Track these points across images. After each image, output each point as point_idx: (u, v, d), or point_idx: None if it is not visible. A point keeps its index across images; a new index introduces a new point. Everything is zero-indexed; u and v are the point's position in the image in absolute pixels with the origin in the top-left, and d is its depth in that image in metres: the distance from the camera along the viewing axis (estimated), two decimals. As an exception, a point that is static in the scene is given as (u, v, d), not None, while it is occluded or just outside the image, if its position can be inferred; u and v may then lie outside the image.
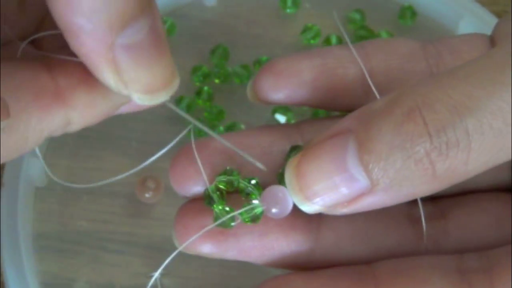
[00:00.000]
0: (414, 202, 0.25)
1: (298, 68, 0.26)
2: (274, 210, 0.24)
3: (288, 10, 0.39)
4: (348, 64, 0.26)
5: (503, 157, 0.21)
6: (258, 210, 0.24)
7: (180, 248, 0.25)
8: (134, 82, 0.23)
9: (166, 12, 0.39)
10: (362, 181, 0.22)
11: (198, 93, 0.37)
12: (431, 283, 0.23)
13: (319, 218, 0.25)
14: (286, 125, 0.27)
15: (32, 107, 0.23)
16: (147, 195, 0.35)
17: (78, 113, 0.24)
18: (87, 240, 0.35)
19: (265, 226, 0.25)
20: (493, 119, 0.21)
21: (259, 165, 0.25)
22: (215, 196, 0.24)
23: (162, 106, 0.37)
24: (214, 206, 0.24)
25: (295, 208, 0.24)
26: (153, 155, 0.36)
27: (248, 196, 0.24)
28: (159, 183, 0.35)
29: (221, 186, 0.24)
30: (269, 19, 0.39)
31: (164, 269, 0.34)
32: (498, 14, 0.38)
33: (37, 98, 0.23)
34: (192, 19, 0.39)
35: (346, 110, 0.27)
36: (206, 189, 0.24)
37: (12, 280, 0.33)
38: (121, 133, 0.37)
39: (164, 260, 0.34)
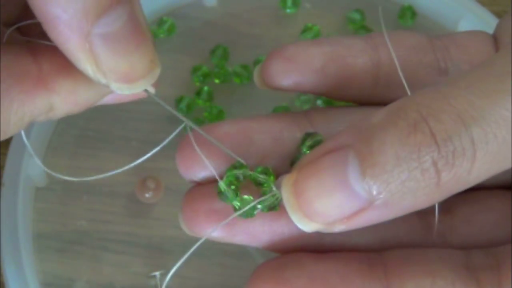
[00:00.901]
0: None
1: (308, 54, 0.26)
2: None
3: (288, 10, 0.39)
4: (358, 54, 0.26)
5: (505, 166, 0.21)
6: (277, 199, 0.23)
7: (204, 237, 0.24)
8: (111, 71, 0.23)
9: (166, 12, 0.39)
10: (364, 196, 0.21)
11: (198, 93, 0.37)
12: (440, 275, 0.23)
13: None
14: (296, 113, 0.27)
15: (14, 90, 0.23)
16: (147, 195, 0.35)
17: (61, 99, 0.24)
18: (87, 240, 0.35)
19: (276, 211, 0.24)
20: (497, 128, 0.21)
21: (241, 161, 0.24)
22: (230, 192, 0.24)
23: (161, 105, 0.37)
24: (232, 202, 0.24)
25: None
26: (153, 154, 0.36)
27: (261, 185, 0.24)
28: (159, 183, 0.35)
29: (232, 181, 0.24)
30: (269, 19, 0.39)
31: (164, 269, 0.34)
32: (498, 14, 0.38)
33: (19, 81, 0.23)
34: (192, 19, 0.39)
35: (354, 100, 0.27)
36: (218, 186, 0.24)
37: (12, 280, 0.33)
38: (121, 133, 0.37)
39: (164, 260, 0.34)
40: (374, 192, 0.21)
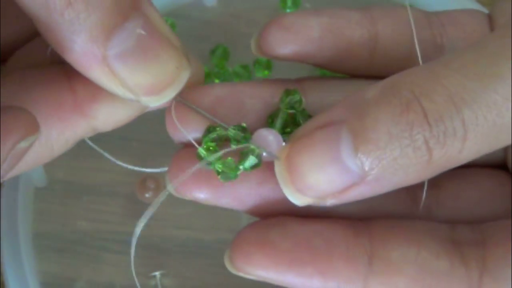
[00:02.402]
0: None
1: (306, 24, 0.26)
2: (265, 154, 0.24)
3: (288, 10, 0.39)
4: (356, 26, 0.26)
5: (495, 146, 0.22)
6: (257, 154, 0.23)
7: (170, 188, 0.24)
8: (138, 87, 0.23)
9: (166, 12, 0.39)
10: (356, 171, 0.22)
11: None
12: (425, 246, 0.23)
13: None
14: (288, 80, 0.27)
15: (52, 119, 0.24)
16: (147, 195, 0.35)
17: (100, 122, 0.24)
18: (87, 240, 0.35)
19: (263, 174, 0.24)
20: (487, 111, 0.21)
21: (216, 120, 0.24)
22: (209, 156, 0.24)
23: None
24: (212, 165, 0.24)
25: None
26: (153, 154, 0.36)
27: (238, 142, 0.24)
28: (159, 183, 0.35)
29: (209, 145, 0.24)
30: (269, 19, 0.39)
31: (164, 269, 0.34)
32: (498, 14, 0.38)
33: (56, 110, 0.24)
34: (192, 19, 0.39)
35: (350, 73, 0.27)
36: (197, 153, 0.24)
37: (12, 280, 0.33)
38: (121, 133, 0.37)
39: (164, 260, 0.34)
40: (366, 168, 0.21)
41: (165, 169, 0.25)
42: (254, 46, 0.26)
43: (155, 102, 0.23)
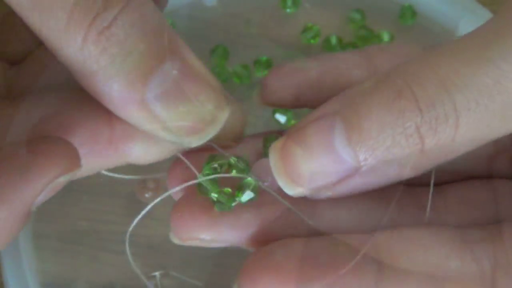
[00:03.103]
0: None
1: (304, 67, 0.26)
2: (266, 183, 0.24)
3: (288, 10, 0.39)
4: (353, 66, 0.27)
5: (488, 134, 0.22)
6: (251, 187, 0.24)
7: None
8: (177, 128, 0.23)
9: (166, 12, 0.38)
10: (349, 161, 0.22)
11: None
12: (433, 248, 0.23)
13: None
14: None
15: (84, 149, 0.24)
16: (147, 195, 0.35)
17: (133, 158, 0.24)
18: (87, 240, 0.35)
19: (261, 198, 0.24)
20: (479, 95, 0.21)
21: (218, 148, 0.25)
22: (208, 184, 0.24)
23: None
24: (210, 193, 0.24)
25: None
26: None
27: (239, 171, 0.24)
28: (158, 183, 0.35)
29: (209, 173, 0.24)
30: (269, 19, 0.39)
31: (164, 269, 0.34)
32: (498, 14, 0.38)
33: (92, 143, 0.24)
34: (192, 19, 0.39)
35: None
36: (198, 184, 0.24)
37: (12, 280, 0.33)
38: (121, 133, 0.37)
39: (164, 260, 0.34)
40: (360, 158, 0.21)
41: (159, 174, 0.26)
42: (256, 97, 0.27)
43: (196, 142, 0.23)
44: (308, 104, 0.27)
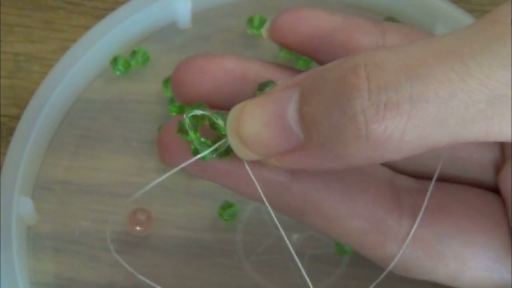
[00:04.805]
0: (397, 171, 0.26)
1: (319, 17, 0.26)
2: None
3: (254, 31, 0.38)
4: (366, 33, 0.26)
5: (442, 137, 0.20)
6: (225, 145, 0.23)
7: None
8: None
9: (142, 39, 0.38)
10: (296, 133, 0.21)
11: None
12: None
13: None
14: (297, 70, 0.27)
15: None
16: (138, 228, 0.34)
17: None
18: (87, 240, 0.35)
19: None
20: (440, 88, 0.20)
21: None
22: (190, 129, 0.24)
23: (161, 105, 0.37)
24: (189, 136, 0.24)
25: None
26: (152, 154, 0.36)
27: (217, 130, 0.24)
28: (149, 215, 0.34)
29: (192, 120, 0.24)
30: (241, 40, 0.39)
31: (164, 269, 0.34)
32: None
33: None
34: (167, 43, 0.38)
35: None
36: (180, 121, 0.24)
37: (4, 280, 0.33)
38: (121, 133, 0.37)
39: (164, 260, 0.34)
40: (307, 132, 0.21)
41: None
42: (266, 31, 0.26)
43: None
44: (312, 54, 0.26)
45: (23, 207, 0.34)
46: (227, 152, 0.24)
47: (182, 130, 0.24)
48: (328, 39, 0.26)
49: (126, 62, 0.37)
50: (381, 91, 0.20)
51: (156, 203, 0.35)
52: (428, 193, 0.25)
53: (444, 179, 0.26)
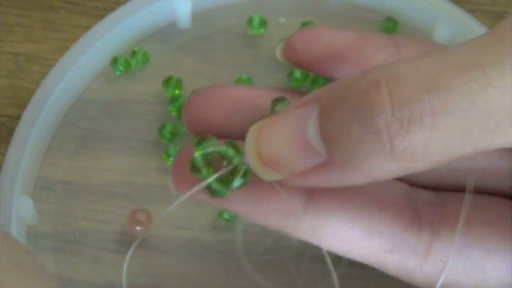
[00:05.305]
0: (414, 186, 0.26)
1: (333, 35, 0.26)
2: None
3: (254, 31, 0.38)
4: (380, 48, 0.26)
5: (466, 146, 0.21)
6: (243, 169, 0.23)
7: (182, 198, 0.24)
8: None
9: (142, 39, 0.38)
10: (318, 151, 0.21)
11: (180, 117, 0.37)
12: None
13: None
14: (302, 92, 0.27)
15: None
16: (138, 228, 0.34)
17: None
18: (87, 240, 0.35)
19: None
20: (462, 99, 0.20)
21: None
22: (202, 165, 0.23)
23: (161, 105, 0.37)
24: (202, 174, 0.23)
25: None
26: (152, 154, 0.36)
27: (229, 161, 0.23)
28: (150, 215, 0.34)
29: (203, 155, 0.24)
30: (239, 40, 0.39)
31: (164, 269, 0.34)
32: (498, 14, 0.38)
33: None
34: (167, 43, 0.38)
35: None
36: (193, 158, 0.24)
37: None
38: (121, 133, 0.37)
39: (164, 260, 0.34)
40: (330, 150, 0.21)
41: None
42: (279, 52, 0.26)
43: None
44: (327, 72, 0.26)
45: (23, 207, 0.34)
46: (247, 181, 0.23)
47: (194, 169, 0.24)
48: (343, 57, 0.26)
49: (126, 62, 0.37)
50: (404, 106, 0.20)
51: (156, 203, 0.35)
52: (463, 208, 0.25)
53: (463, 190, 0.26)
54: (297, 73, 0.37)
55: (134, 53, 0.37)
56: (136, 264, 0.34)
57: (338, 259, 0.34)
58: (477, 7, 0.39)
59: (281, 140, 0.22)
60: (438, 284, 0.24)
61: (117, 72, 0.37)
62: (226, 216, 0.34)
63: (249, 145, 0.22)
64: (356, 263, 0.34)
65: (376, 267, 0.25)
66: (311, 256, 0.34)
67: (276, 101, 0.24)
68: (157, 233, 0.35)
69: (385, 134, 0.20)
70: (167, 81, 0.37)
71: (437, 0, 0.37)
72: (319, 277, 0.34)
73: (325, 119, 0.21)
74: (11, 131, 0.36)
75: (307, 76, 0.37)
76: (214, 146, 0.23)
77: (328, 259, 0.24)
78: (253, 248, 0.34)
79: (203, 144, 0.23)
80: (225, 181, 0.23)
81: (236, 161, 0.23)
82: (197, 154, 0.23)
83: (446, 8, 0.37)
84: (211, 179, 0.23)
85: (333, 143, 0.21)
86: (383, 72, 0.21)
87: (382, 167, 0.21)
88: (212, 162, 0.24)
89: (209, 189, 0.24)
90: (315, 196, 0.25)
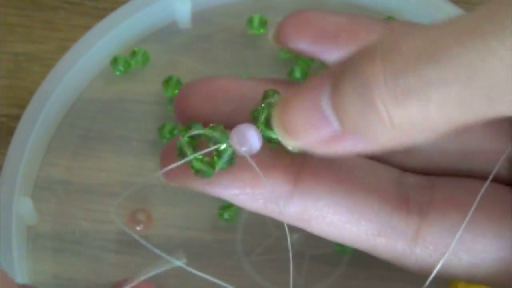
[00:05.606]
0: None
1: (324, 19, 0.26)
2: (243, 148, 0.24)
3: (254, 31, 0.38)
4: (373, 33, 0.26)
5: (471, 116, 0.20)
6: (228, 151, 0.24)
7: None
8: None
9: (142, 39, 0.38)
10: (334, 123, 0.21)
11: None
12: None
13: (301, 162, 0.25)
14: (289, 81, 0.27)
15: None
16: (138, 228, 0.34)
17: None
18: (87, 240, 0.35)
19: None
20: (460, 69, 0.19)
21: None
22: (187, 149, 0.24)
23: (161, 105, 0.37)
24: (187, 156, 0.24)
25: (278, 151, 0.24)
26: (152, 154, 0.36)
27: (216, 144, 0.24)
28: (150, 215, 0.34)
29: (189, 140, 0.24)
30: (241, 39, 0.39)
31: (163, 269, 0.34)
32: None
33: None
34: (167, 43, 0.38)
35: None
36: (178, 142, 0.24)
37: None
38: (121, 133, 0.37)
39: (164, 260, 0.34)
40: (342, 121, 0.21)
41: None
42: (272, 36, 0.27)
43: None
44: (318, 56, 0.26)
45: (23, 207, 0.34)
46: (233, 160, 0.24)
47: (181, 153, 0.24)
48: (334, 40, 0.26)
49: (126, 62, 0.37)
50: (398, 76, 0.19)
51: (156, 203, 0.35)
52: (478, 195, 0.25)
53: (455, 174, 0.26)
54: (297, 73, 0.37)
55: (134, 53, 0.37)
56: (136, 264, 0.34)
57: (338, 259, 0.34)
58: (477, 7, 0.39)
59: (298, 111, 0.22)
60: (434, 272, 0.25)
61: (117, 72, 0.37)
62: (226, 216, 0.34)
63: (275, 117, 0.23)
64: (356, 263, 0.34)
65: (367, 252, 0.26)
66: (311, 256, 0.34)
67: (267, 92, 0.24)
68: (157, 233, 0.35)
69: (381, 106, 0.20)
70: (167, 81, 0.37)
71: (437, 0, 0.37)
72: (319, 277, 0.34)
73: (335, 92, 0.21)
74: (11, 131, 0.36)
75: (307, 76, 0.37)
76: (200, 130, 0.24)
77: (287, 230, 0.25)
78: (253, 248, 0.34)
79: (188, 129, 0.24)
80: (211, 162, 0.24)
81: (221, 142, 0.24)
82: (183, 138, 0.24)
83: (446, 8, 0.37)
84: (193, 156, 0.24)
85: (342, 115, 0.21)
86: (379, 44, 0.20)
87: (387, 137, 0.21)
88: (199, 146, 0.24)
89: (195, 170, 0.24)
90: (301, 180, 0.25)
